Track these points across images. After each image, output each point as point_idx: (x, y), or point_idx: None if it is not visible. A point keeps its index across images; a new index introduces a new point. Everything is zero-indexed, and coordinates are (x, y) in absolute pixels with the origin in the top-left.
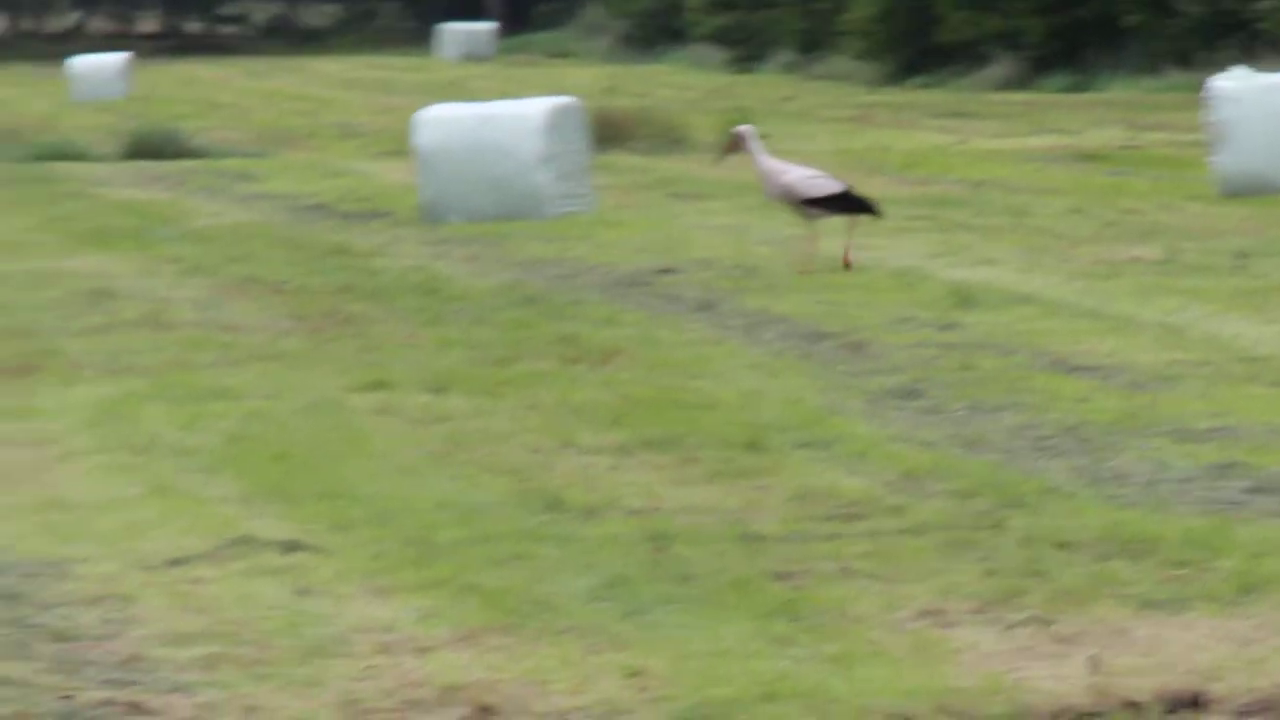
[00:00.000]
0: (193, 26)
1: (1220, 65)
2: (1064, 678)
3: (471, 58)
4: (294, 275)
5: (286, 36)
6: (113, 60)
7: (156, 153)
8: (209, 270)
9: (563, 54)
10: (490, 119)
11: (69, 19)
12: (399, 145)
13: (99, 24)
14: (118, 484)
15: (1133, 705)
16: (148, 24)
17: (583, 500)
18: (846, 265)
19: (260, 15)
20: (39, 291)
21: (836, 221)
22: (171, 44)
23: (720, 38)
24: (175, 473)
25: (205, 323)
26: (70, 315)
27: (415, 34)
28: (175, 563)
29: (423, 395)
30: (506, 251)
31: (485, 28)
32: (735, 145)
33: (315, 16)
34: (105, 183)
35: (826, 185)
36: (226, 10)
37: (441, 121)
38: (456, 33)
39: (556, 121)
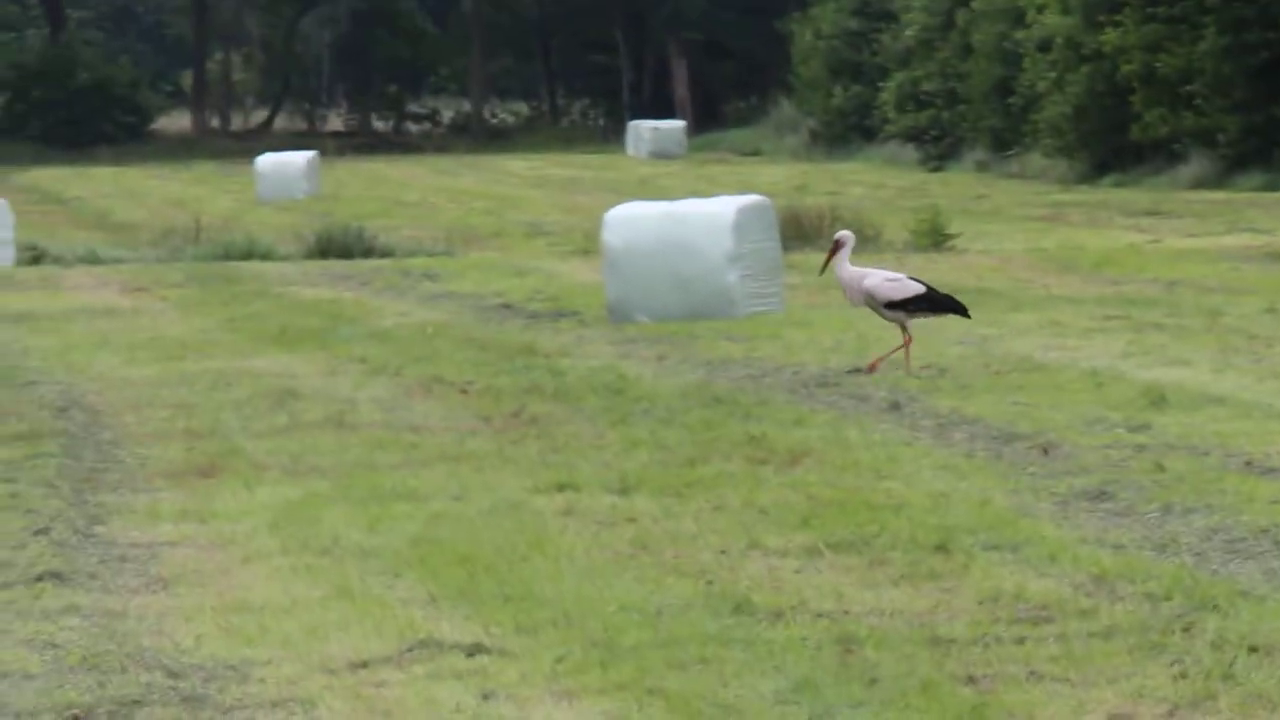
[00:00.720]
0: (380, 125)
1: None
2: None
3: (661, 156)
4: (480, 375)
5: (474, 134)
6: (299, 158)
7: (342, 251)
8: (394, 370)
9: (754, 152)
10: (679, 217)
11: (256, 117)
12: (586, 244)
13: (285, 122)
14: (301, 586)
15: None
16: (335, 122)
17: (770, 602)
18: (871, 369)
19: (448, 113)
20: (223, 392)
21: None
22: (358, 142)
23: (912, 136)
24: (359, 575)
25: (390, 423)
26: (254, 415)
27: (604, 132)
28: (358, 666)
29: (608, 496)
30: (694, 351)
31: (675, 125)
32: (836, 249)
33: (504, 115)
34: (291, 282)
35: (907, 287)
36: (414, 109)
37: (630, 220)
38: (646, 130)
39: (746, 220)
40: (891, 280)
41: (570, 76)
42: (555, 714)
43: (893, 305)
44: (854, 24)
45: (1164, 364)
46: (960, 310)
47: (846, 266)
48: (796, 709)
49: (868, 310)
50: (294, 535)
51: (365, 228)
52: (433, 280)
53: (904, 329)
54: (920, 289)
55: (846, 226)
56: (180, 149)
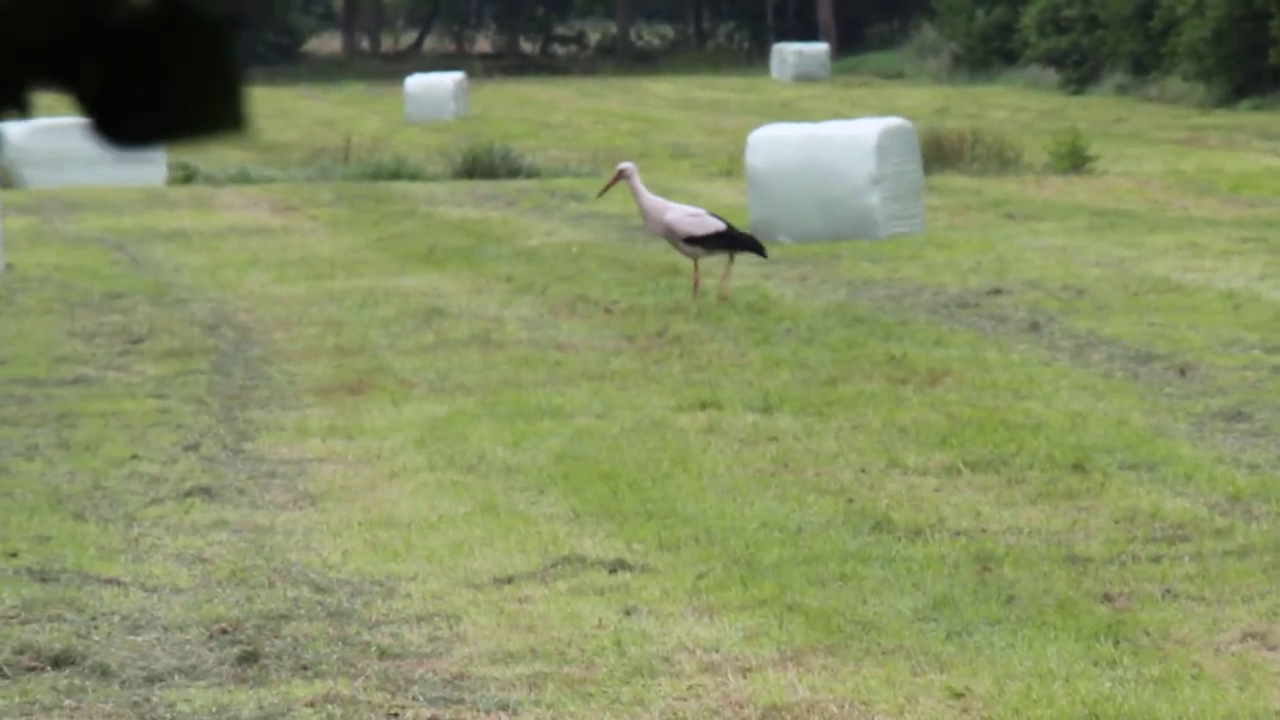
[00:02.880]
0: (527, 47)
1: None
2: None
3: (805, 78)
4: (624, 295)
5: (620, 57)
6: (447, 80)
7: (489, 172)
8: (539, 289)
9: (896, 75)
10: (822, 140)
11: (405, 39)
12: (731, 166)
13: (434, 44)
14: (446, 502)
15: None
16: (483, 44)
17: (909, 520)
18: (723, 298)
19: (594, 36)
20: (371, 310)
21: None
22: (506, 64)
23: (1053, 59)
24: (503, 491)
25: (535, 341)
26: (402, 333)
27: (749, 55)
28: (502, 581)
29: (750, 415)
30: (836, 272)
31: (819, 48)
32: (616, 181)
33: (649, 37)
34: (438, 202)
35: (706, 224)
36: (561, 31)
37: (773, 142)
38: (790, 53)
39: (888, 142)
40: (693, 215)
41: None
42: (696, 630)
43: (691, 240)
44: None
45: None
46: (758, 249)
47: (648, 196)
48: (934, 626)
49: (1008, 232)
50: (440, 452)
51: (512, 149)
52: (578, 201)
53: (695, 264)
54: (720, 226)
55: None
56: (331, 70)
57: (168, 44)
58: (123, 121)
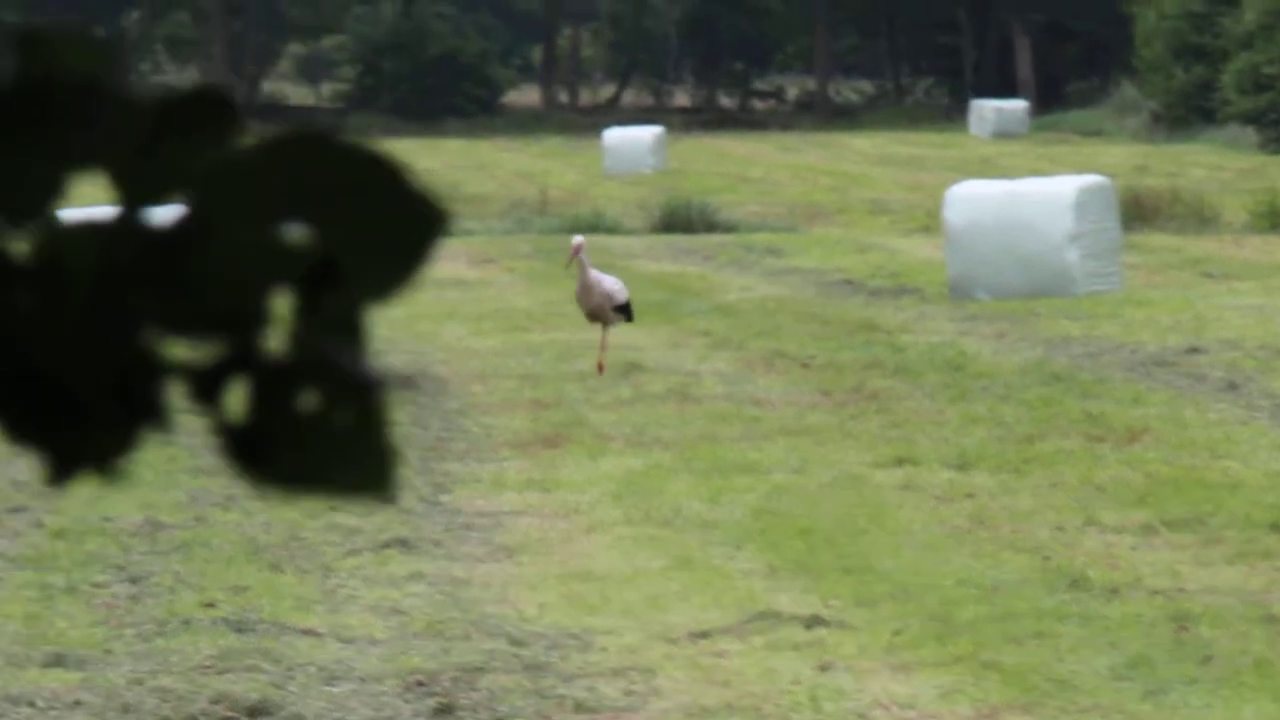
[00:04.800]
0: (726, 101)
1: None
2: None
3: (1004, 135)
4: (821, 350)
5: (818, 112)
6: (646, 133)
7: (686, 226)
8: (737, 344)
9: (1095, 132)
10: (1020, 196)
11: (603, 92)
12: (928, 222)
13: (632, 97)
14: (643, 556)
15: None
16: (681, 98)
17: (1105, 579)
18: (600, 369)
19: (793, 91)
20: (568, 363)
21: None
22: (704, 118)
23: (1252, 118)
24: (699, 546)
25: (732, 396)
26: (598, 387)
27: (947, 111)
28: (698, 636)
29: (947, 472)
30: (1033, 329)
31: (1018, 105)
32: (576, 252)
33: (848, 93)
34: (635, 255)
35: (623, 292)
36: (760, 85)
37: (971, 198)
38: (989, 110)
39: (1086, 199)
40: (619, 287)
41: (914, 55)
42: (891, 686)
43: (618, 307)
44: (1196, 6)
45: None
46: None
47: (591, 270)
48: (1131, 685)
49: (1206, 291)
50: (637, 505)
51: (709, 203)
52: (776, 256)
53: (608, 328)
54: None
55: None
56: (529, 123)
57: (324, 394)
58: (265, 465)
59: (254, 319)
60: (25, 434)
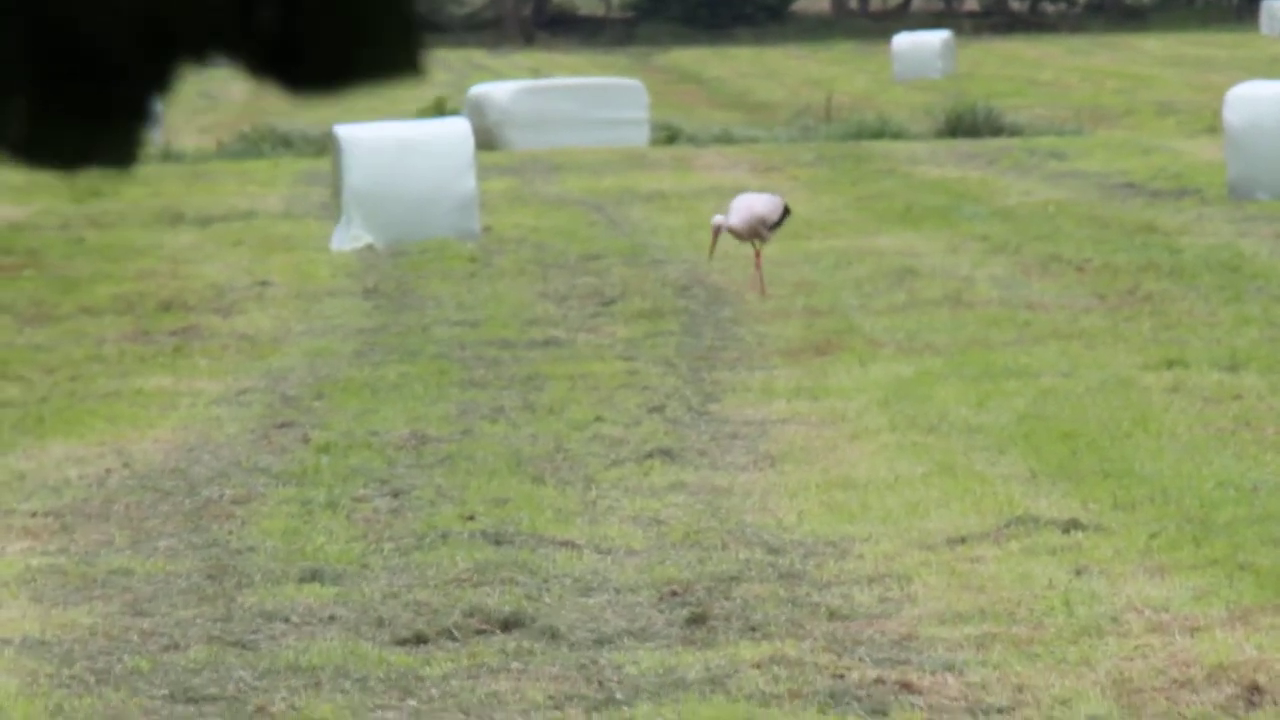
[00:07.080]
0: (1016, 4)
1: None
2: None
3: None
4: (1098, 253)
5: (1109, 14)
6: (935, 38)
7: (971, 130)
8: (1013, 248)
9: None
10: None
11: None
12: (1215, 123)
13: (923, 2)
14: (905, 462)
15: None
16: (971, 2)
17: None
18: (762, 290)
19: None
20: (844, 270)
21: None
22: (994, 22)
23: None
24: (963, 451)
25: (1006, 301)
26: (873, 293)
27: (1238, 11)
28: (955, 542)
29: (1216, 373)
30: None
31: None
32: (717, 234)
33: None
34: (919, 161)
35: (777, 209)
36: None
37: (1251, 99)
38: None
39: None
40: (771, 206)
41: None
42: (1146, 589)
43: (775, 224)
44: None
45: None
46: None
47: (736, 212)
48: None
49: None
50: (903, 412)
51: (995, 106)
52: (1059, 159)
53: (761, 246)
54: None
55: None
56: (819, 29)
57: None
58: (297, 66)
59: None
60: (51, 101)
